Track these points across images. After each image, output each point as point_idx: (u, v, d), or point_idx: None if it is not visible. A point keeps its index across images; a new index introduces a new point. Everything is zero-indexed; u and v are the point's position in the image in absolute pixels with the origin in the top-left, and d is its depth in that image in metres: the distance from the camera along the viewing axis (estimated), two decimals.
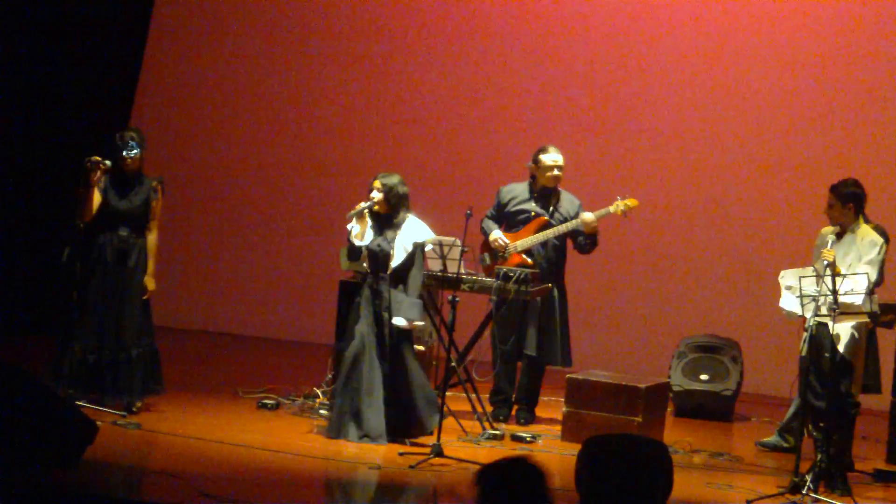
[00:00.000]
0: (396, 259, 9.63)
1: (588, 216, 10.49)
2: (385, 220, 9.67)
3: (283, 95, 14.03)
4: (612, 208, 10.53)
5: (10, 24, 13.02)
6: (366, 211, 9.62)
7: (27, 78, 13.15)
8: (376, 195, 9.63)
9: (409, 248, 9.65)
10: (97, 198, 9.75)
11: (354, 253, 9.71)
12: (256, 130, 14.08)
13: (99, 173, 9.68)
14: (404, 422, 9.59)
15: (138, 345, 9.74)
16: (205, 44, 14.13)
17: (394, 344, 9.60)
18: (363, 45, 13.87)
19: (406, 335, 9.68)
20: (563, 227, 10.56)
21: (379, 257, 9.64)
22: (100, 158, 9.68)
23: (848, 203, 9.42)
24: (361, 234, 9.63)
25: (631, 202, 10.55)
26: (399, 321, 9.59)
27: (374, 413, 9.47)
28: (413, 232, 9.66)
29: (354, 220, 9.64)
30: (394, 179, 9.67)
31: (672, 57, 13.24)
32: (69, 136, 13.02)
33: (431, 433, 9.48)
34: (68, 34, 13.32)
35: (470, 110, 13.65)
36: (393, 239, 9.63)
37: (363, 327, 9.59)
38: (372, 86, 13.85)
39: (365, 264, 9.74)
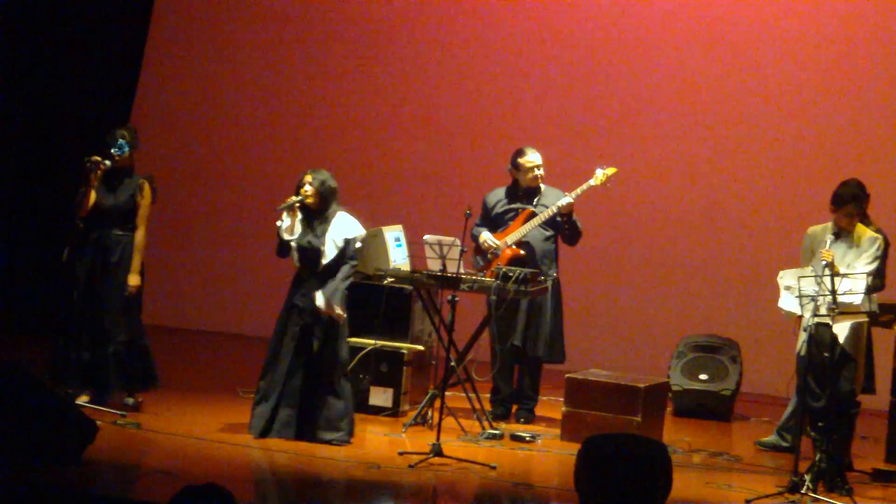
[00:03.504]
0: (328, 256, 9.48)
1: (565, 199, 10.48)
2: (315, 215, 9.52)
3: (281, 96, 14.04)
4: (592, 181, 10.54)
5: (11, 24, 13.03)
6: (296, 205, 9.52)
7: (27, 78, 13.16)
8: (308, 189, 9.51)
9: (340, 244, 9.50)
10: (93, 196, 9.77)
11: (283, 249, 9.59)
12: (256, 130, 14.09)
13: (99, 173, 9.70)
14: (309, 422, 9.47)
15: (115, 342, 9.72)
16: (205, 44, 14.14)
17: (321, 343, 9.48)
18: (362, 45, 13.88)
19: (335, 336, 9.51)
20: (548, 212, 10.57)
21: (309, 254, 9.50)
22: (99, 158, 9.70)
23: (863, 204, 9.46)
24: (291, 228, 9.51)
25: (610, 170, 10.56)
26: (319, 299, 9.42)
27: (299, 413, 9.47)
28: (343, 227, 9.52)
29: (285, 213, 9.51)
30: (324, 174, 9.57)
31: (672, 58, 13.25)
32: (69, 135, 13.03)
33: (335, 443, 9.44)
34: (68, 34, 13.33)
35: (470, 110, 13.65)
36: (323, 234, 9.49)
37: (288, 325, 9.53)
38: (371, 86, 13.85)
39: (296, 261, 9.62)
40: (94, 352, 9.72)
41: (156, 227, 10.48)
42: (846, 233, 9.32)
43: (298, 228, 9.51)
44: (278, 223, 9.55)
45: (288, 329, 9.53)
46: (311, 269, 9.52)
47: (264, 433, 9.46)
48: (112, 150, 9.77)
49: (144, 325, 10.01)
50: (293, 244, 9.51)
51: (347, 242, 9.52)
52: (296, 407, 9.45)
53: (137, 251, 9.83)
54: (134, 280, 9.79)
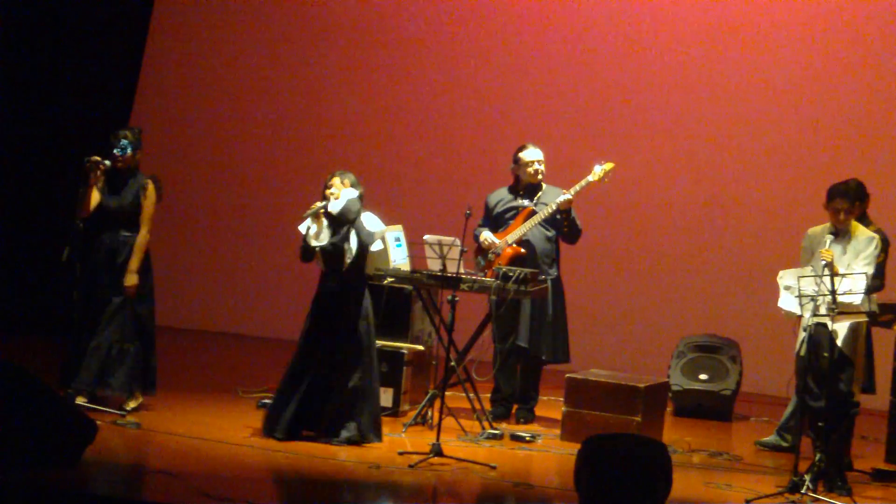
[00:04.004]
0: (350, 255, 9.52)
1: (563, 196, 10.49)
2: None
3: (282, 96, 14.03)
4: (591, 177, 10.54)
5: (11, 24, 13.02)
6: (321, 211, 9.53)
7: (27, 78, 13.16)
8: (335, 191, 9.52)
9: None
10: (96, 197, 9.77)
11: (308, 254, 9.59)
12: (256, 130, 14.09)
13: (99, 173, 9.70)
14: (335, 422, 9.48)
15: (100, 338, 9.71)
16: (205, 44, 14.14)
17: (347, 346, 9.51)
18: (363, 45, 13.87)
19: (357, 336, 9.55)
20: (547, 210, 10.57)
21: (334, 256, 9.53)
22: (99, 158, 9.70)
23: (856, 202, 9.43)
24: (318, 234, 9.53)
25: (608, 166, 10.56)
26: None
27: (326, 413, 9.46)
28: (366, 223, 9.55)
29: (310, 220, 9.52)
30: (352, 176, 9.57)
31: (672, 58, 13.24)
32: (69, 135, 13.03)
33: (359, 443, 9.43)
34: (68, 34, 13.32)
35: (470, 110, 13.65)
36: (347, 234, 9.50)
37: (313, 326, 9.53)
38: (372, 85, 13.85)
39: (320, 264, 9.60)
40: (97, 351, 9.71)
41: (156, 228, 10.47)
42: (845, 233, 9.30)
43: (326, 234, 9.50)
44: (300, 228, 9.54)
45: (314, 331, 9.52)
46: (336, 269, 9.53)
47: (282, 434, 9.44)
48: (115, 151, 9.77)
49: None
50: (317, 248, 9.52)
51: (369, 235, 9.54)
52: (311, 406, 9.44)
53: (138, 251, 9.82)
54: (130, 280, 9.78)
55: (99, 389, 9.80)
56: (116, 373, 9.77)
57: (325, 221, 9.53)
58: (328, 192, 9.55)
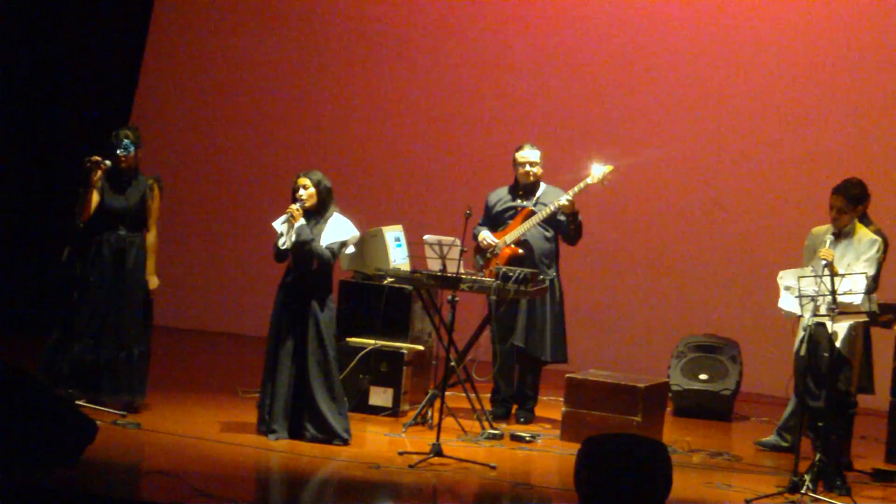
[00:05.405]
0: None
1: (563, 197, 10.49)
2: (312, 216, 9.47)
3: (281, 96, 14.04)
4: (590, 179, 10.54)
5: (11, 24, 13.03)
6: (296, 212, 9.40)
7: (27, 78, 13.17)
8: (304, 192, 9.44)
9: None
10: (95, 197, 9.77)
11: (281, 255, 9.50)
12: (256, 130, 14.09)
13: (99, 173, 9.70)
14: (314, 423, 9.46)
15: (140, 343, 9.75)
16: (205, 44, 14.15)
17: (313, 342, 9.46)
18: (362, 45, 13.88)
19: (324, 334, 9.50)
20: (546, 211, 10.58)
21: (303, 256, 9.46)
22: (100, 158, 9.69)
23: (858, 206, 9.41)
24: (290, 236, 9.42)
25: (607, 168, 10.56)
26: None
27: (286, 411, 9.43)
28: (338, 230, 9.49)
29: (287, 225, 9.43)
30: (318, 174, 9.51)
31: (673, 58, 13.25)
32: (69, 135, 13.03)
33: (341, 442, 9.41)
34: (68, 34, 13.33)
35: (470, 110, 13.66)
36: (318, 235, 9.45)
37: (283, 325, 9.49)
38: (372, 86, 13.86)
39: (292, 263, 9.55)
40: (109, 354, 9.69)
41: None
42: (847, 233, 9.30)
43: (304, 233, 9.45)
44: (275, 225, 9.50)
45: (284, 328, 9.51)
46: (305, 269, 9.51)
47: (282, 434, 9.45)
48: (118, 151, 9.76)
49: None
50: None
51: (342, 245, 9.51)
52: (301, 407, 9.44)
53: (153, 253, 9.86)
54: (154, 283, 9.83)
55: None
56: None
57: (301, 221, 9.47)
58: (298, 194, 9.50)
